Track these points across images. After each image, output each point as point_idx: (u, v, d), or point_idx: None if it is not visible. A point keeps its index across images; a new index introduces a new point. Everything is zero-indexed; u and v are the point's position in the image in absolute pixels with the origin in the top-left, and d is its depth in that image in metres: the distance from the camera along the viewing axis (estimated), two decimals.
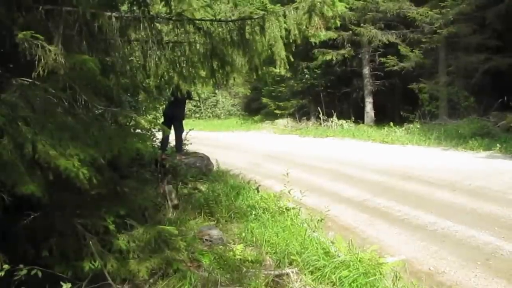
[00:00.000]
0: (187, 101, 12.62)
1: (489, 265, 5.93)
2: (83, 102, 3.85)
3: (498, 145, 14.03)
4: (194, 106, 43.09)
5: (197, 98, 27.31)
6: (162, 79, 5.86)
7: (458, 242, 6.80)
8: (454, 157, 13.85)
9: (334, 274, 5.12)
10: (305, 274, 5.28)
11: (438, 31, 20.06)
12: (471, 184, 9.77)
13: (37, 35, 3.32)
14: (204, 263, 5.47)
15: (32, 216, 3.73)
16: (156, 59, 5.36)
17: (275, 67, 5.89)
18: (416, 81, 21.53)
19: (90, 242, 3.98)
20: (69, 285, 3.70)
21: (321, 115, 26.90)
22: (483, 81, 20.00)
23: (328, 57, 25.19)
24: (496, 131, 16.40)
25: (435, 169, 11.90)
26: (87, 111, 4.11)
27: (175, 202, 8.01)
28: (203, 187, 9.86)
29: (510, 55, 18.39)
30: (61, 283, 3.69)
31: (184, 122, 12.29)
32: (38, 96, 3.42)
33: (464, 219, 7.70)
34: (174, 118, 11.50)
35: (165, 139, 11.48)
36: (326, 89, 28.52)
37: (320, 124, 26.89)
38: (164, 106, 11.84)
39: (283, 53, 5.47)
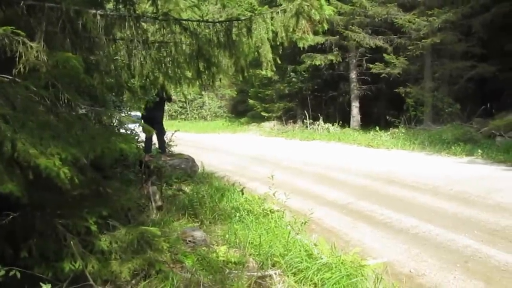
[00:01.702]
0: (166, 103, 12.53)
1: (468, 267, 6.02)
2: (66, 101, 3.79)
3: (479, 151, 14.14)
4: (180, 107, 43.08)
5: (183, 99, 27.29)
6: (147, 79, 5.82)
7: (438, 245, 6.89)
8: (437, 162, 13.93)
9: (317, 276, 5.15)
10: (288, 276, 5.29)
11: (426, 38, 20.17)
12: (453, 189, 9.83)
13: (18, 31, 3.26)
14: (187, 264, 5.43)
15: (11, 216, 3.66)
16: (141, 59, 5.32)
17: (261, 69, 5.87)
18: (403, 86, 21.65)
19: (71, 242, 3.92)
20: (49, 286, 3.65)
21: (307, 118, 26.95)
22: (467, 88, 20.25)
23: (317, 62, 25.24)
24: (479, 137, 16.56)
25: (418, 173, 11.95)
26: (70, 110, 4.05)
27: (159, 203, 7.97)
28: (187, 189, 9.82)
29: (494, 63, 18.63)
30: (41, 284, 3.63)
31: (164, 123, 12.21)
32: (18, 94, 3.36)
33: (445, 223, 7.78)
34: (154, 120, 11.38)
35: (148, 140, 11.41)
36: (313, 92, 28.63)
37: (307, 127, 26.94)
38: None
39: (269, 55, 5.46)
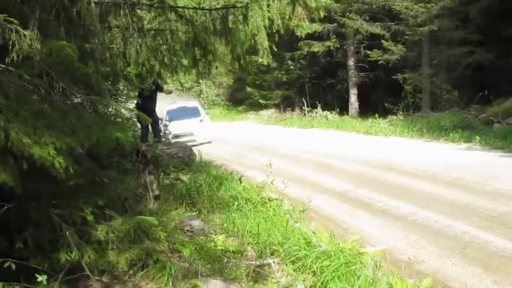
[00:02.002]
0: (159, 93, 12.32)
1: (466, 253, 6.04)
2: (60, 90, 3.75)
3: (477, 137, 14.11)
4: (178, 95, 42.93)
5: (180, 88, 27.18)
6: (143, 67, 5.77)
7: (437, 232, 6.91)
8: (436, 149, 13.93)
9: (316, 264, 5.12)
10: (286, 264, 5.29)
11: (424, 25, 20.09)
12: (451, 176, 9.83)
13: (11, 19, 3.20)
14: (184, 253, 5.42)
15: (5, 207, 3.62)
16: (137, 47, 5.28)
17: (258, 57, 5.84)
18: (401, 73, 21.56)
19: (67, 233, 3.89)
20: (45, 277, 3.61)
21: (305, 106, 26.90)
22: (465, 74, 20.19)
23: (314, 49, 25.13)
24: (476, 124, 16.54)
25: (416, 160, 11.95)
26: (64, 98, 4.02)
27: (157, 192, 7.94)
28: (185, 178, 9.81)
29: (491, 50, 18.59)
30: (36, 275, 3.60)
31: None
32: (12, 83, 3.31)
33: (444, 209, 7.79)
34: (147, 109, 11.25)
35: (144, 129, 11.33)
36: (311, 80, 28.51)
37: (305, 115, 26.90)
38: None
39: (266, 43, 5.42)
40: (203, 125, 19.60)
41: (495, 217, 7.20)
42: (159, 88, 11.34)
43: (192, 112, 20.14)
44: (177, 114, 19.83)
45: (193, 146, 15.77)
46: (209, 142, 18.58)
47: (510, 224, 6.80)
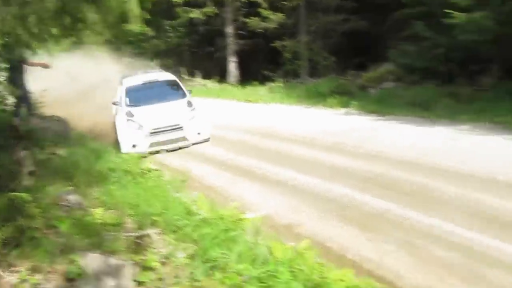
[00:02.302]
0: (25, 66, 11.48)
1: (345, 215, 6.35)
2: None
3: (354, 102, 14.82)
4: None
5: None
6: (10, 37, 5.50)
7: (316, 196, 7.20)
8: (315, 115, 14.47)
9: (196, 232, 5.18)
10: (167, 234, 5.28)
11: None
12: (329, 140, 10.24)
13: None
14: (61, 229, 5.27)
15: None
16: (3, 15, 5.01)
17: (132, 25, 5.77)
18: (279, 40, 21.90)
19: None
20: None
21: (185, 74, 26.73)
22: (341, 41, 20.88)
23: (192, 15, 24.89)
24: (353, 89, 17.31)
25: (296, 126, 12.34)
26: None
27: (31, 168, 7.63)
28: (61, 152, 9.45)
29: (366, 17, 19.36)
30: None
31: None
32: None
33: (323, 173, 8.12)
34: (16, 84, 10.66)
35: (17, 104, 10.79)
36: (190, 48, 28.33)
37: (184, 83, 26.72)
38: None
39: (137, 10, 5.34)
40: (193, 113, 12.06)
41: (371, 178, 7.61)
42: (24, 62, 10.73)
43: (169, 91, 13.19)
44: (144, 95, 12.69)
45: (180, 148, 11.32)
46: (207, 140, 11.80)
47: (385, 185, 7.24)
